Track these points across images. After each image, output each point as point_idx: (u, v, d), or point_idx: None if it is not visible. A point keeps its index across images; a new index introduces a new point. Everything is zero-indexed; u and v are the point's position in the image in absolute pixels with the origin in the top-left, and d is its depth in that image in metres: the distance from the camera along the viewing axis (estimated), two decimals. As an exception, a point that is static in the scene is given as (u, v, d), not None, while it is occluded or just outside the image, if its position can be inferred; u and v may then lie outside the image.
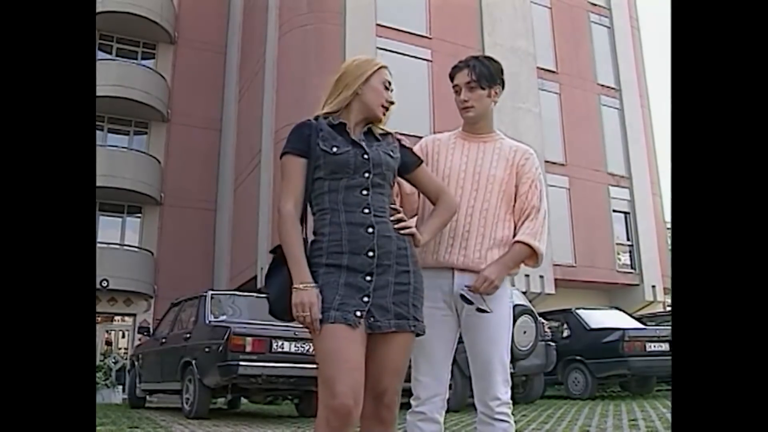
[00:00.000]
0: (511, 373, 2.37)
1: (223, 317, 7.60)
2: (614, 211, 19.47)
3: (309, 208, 2.12)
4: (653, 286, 19.08)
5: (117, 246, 20.15)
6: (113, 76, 19.92)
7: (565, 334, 10.44)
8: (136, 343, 14.98)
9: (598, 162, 19.54)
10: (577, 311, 10.64)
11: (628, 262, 19.37)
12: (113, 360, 16.99)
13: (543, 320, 9.21)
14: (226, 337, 6.83)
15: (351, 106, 2.13)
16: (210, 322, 7.49)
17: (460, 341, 2.36)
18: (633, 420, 5.91)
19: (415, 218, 2.41)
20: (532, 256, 2.35)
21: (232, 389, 7.32)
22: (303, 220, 2.10)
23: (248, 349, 6.79)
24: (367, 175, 2.06)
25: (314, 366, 2.05)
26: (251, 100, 19.10)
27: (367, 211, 2.04)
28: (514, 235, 2.36)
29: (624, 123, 20.53)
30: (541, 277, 16.38)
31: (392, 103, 2.18)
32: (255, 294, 8.53)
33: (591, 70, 20.61)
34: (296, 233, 2.01)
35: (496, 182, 2.35)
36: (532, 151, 2.46)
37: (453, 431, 5.54)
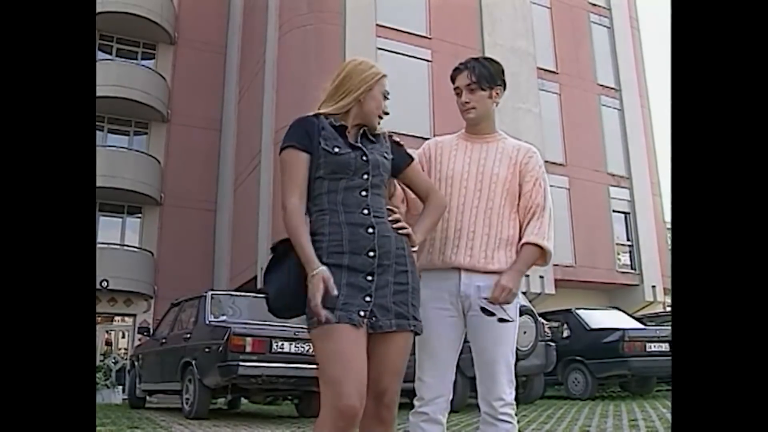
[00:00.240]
0: None
1: (223, 317, 7.60)
2: (614, 211, 19.47)
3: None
4: (653, 286, 19.07)
5: (117, 246, 20.14)
6: (113, 77, 19.93)
7: (565, 334, 10.43)
8: (136, 343, 14.99)
9: (598, 162, 19.53)
10: (577, 311, 10.63)
11: (628, 263, 19.37)
12: (113, 360, 16.99)
13: (543, 320, 9.20)
14: (226, 337, 6.83)
15: (350, 111, 2.14)
16: (210, 322, 7.49)
17: (466, 341, 2.36)
18: (633, 420, 5.91)
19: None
20: (542, 255, 2.36)
21: (232, 389, 7.32)
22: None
23: (248, 349, 6.79)
24: (366, 176, 2.07)
25: (314, 366, 2.05)
26: (251, 100, 19.10)
27: (366, 212, 2.05)
28: (521, 236, 2.36)
29: (624, 123, 20.52)
30: (541, 277, 16.38)
31: (387, 113, 2.22)
32: (255, 294, 8.53)
33: (591, 70, 20.61)
34: (305, 227, 2.01)
35: (499, 182, 2.35)
36: (535, 149, 2.46)
37: (453, 431, 5.54)
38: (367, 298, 1.97)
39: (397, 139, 2.28)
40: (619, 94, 20.83)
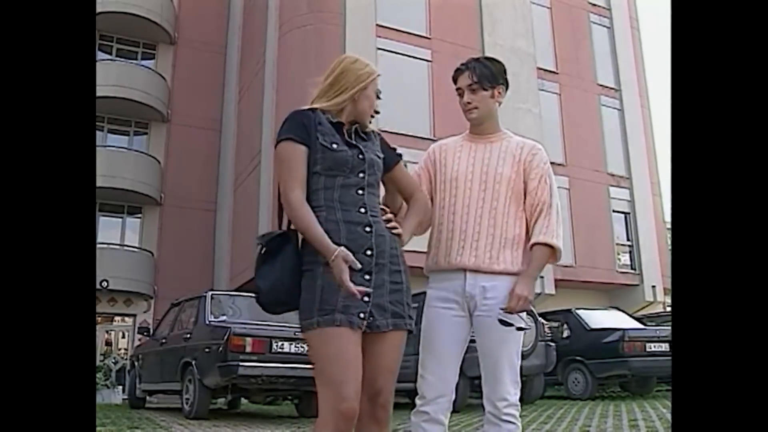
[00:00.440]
0: None
1: (223, 317, 7.59)
2: (614, 211, 19.47)
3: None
4: (653, 287, 19.07)
5: (117, 246, 20.14)
6: (113, 77, 19.93)
7: (565, 334, 10.43)
8: (136, 343, 14.98)
9: (598, 162, 19.53)
10: (577, 311, 10.63)
11: (628, 263, 19.36)
12: (113, 360, 17.00)
13: (543, 320, 9.21)
14: (226, 337, 6.83)
15: (344, 109, 2.13)
16: (210, 322, 7.49)
17: (472, 341, 2.35)
18: (633, 420, 5.91)
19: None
20: (554, 253, 2.34)
21: (232, 389, 7.32)
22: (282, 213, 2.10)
23: (248, 349, 6.79)
24: (362, 175, 2.08)
25: (313, 366, 2.04)
26: (251, 100, 19.10)
27: (363, 210, 2.05)
28: (528, 236, 2.35)
29: (624, 123, 20.52)
30: (542, 277, 16.37)
31: (378, 112, 2.22)
32: (255, 294, 8.51)
33: (591, 70, 20.60)
34: (313, 216, 1.98)
35: (503, 181, 2.34)
36: (540, 146, 2.45)
37: (453, 431, 5.54)
38: (366, 298, 1.97)
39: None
40: (619, 94, 20.83)
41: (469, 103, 2.39)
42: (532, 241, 2.33)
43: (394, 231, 2.10)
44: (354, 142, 2.10)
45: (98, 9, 19.42)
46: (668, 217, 19.49)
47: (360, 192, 2.06)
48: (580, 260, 18.01)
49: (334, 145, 2.05)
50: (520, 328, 2.25)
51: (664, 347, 9.50)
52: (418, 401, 2.32)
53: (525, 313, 2.29)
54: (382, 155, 2.17)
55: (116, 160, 19.80)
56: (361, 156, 2.08)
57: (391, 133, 16.13)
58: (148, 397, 9.77)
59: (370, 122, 2.20)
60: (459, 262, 2.32)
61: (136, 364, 9.73)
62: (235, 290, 13.05)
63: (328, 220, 2.00)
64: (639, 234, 19.52)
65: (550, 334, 9.36)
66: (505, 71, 2.45)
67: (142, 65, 21.95)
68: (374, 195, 2.11)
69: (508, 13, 19.08)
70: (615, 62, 21.13)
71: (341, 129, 2.11)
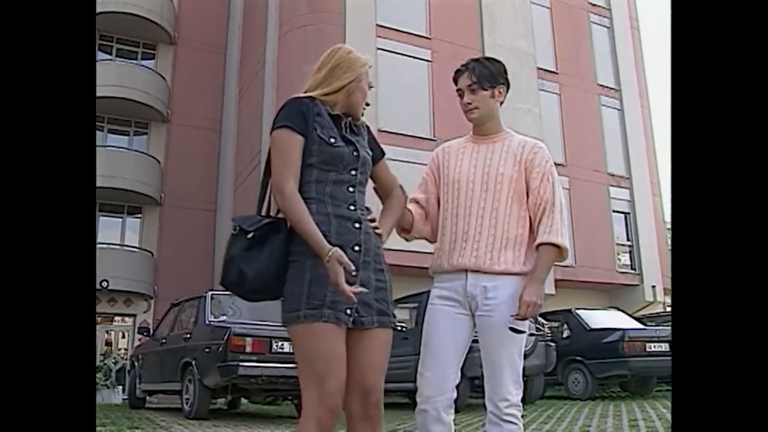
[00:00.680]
0: None
1: (223, 318, 7.59)
2: (614, 211, 19.47)
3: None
4: (653, 287, 19.07)
5: (117, 246, 20.13)
6: (113, 77, 19.92)
7: (565, 334, 10.44)
8: (136, 343, 14.98)
9: (598, 162, 19.54)
10: (577, 311, 10.63)
11: (628, 263, 19.37)
12: (113, 360, 17.00)
13: (543, 320, 9.21)
14: (226, 337, 6.83)
15: (338, 100, 2.12)
16: (210, 322, 7.49)
17: (475, 341, 2.35)
18: (633, 420, 5.91)
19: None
20: (560, 252, 2.33)
21: (232, 390, 7.32)
22: (269, 200, 2.08)
23: (248, 349, 6.79)
24: (354, 172, 2.07)
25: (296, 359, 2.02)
26: (251, 100, 19.10)
27: (353, 207, 2.05)
28: (532, 236, 2.34)
29: (624, 123, 20.53)
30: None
31: (368, 104, 2.20)
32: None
33: (591, 70, 20.61)
34: (307, 210, 1.96)
35: (504, 180, 2.34)
36: (542, 144, 2.44)
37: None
38: (357, 287, 1.95)
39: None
40: (619, 94, 20.83)
41: (469, 103, 2.39)
42: (537, 241, 2.32)
43: (377, 231, 2.10)
44: (350, 138, 2.10)
45: (98, 9, 19.42)
46: (668, 217, 19.49)
47: (351, 189, 2.06)
48: (580, 260, 18.00)
49: (332, 140, 2.04)
50: (531, 334, 2.25)
51: (664, 347, 9.50)
52: (417, 399, 2.32)
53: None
54: (370, 153, 2.16)
55: (116, 160, 19.80)
56: (356, 153, 2.08)
57: (391, 133, 16.14)
58: (148, 397, 9.77)
59: (362, 114, 2.19)
60: (460, 263, 2.32)
61: (136, 364, 9.73)
62: (235, 290, 13.02)
63: (318, 212, 1.99)
64: (639, 234, 19.53)
65: (550, 334, 9.37)
66: (505, 71, 2.45)
67: (142, 65, 21.95)
68: (363, 193, 2.11)
69: (508, 13, 19.08)
70: (615, 62, 21.14)
71: (339, 123, 2.10)
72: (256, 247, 1.98)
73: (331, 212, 2.00)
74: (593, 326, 10.15)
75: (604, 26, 21.55)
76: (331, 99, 2.10)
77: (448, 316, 2.31)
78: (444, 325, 2.32)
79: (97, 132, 20.20)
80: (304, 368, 1.96)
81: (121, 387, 14.20)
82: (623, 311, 11.64)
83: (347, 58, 2.13)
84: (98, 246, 18.01)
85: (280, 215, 2.03)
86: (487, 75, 2.38)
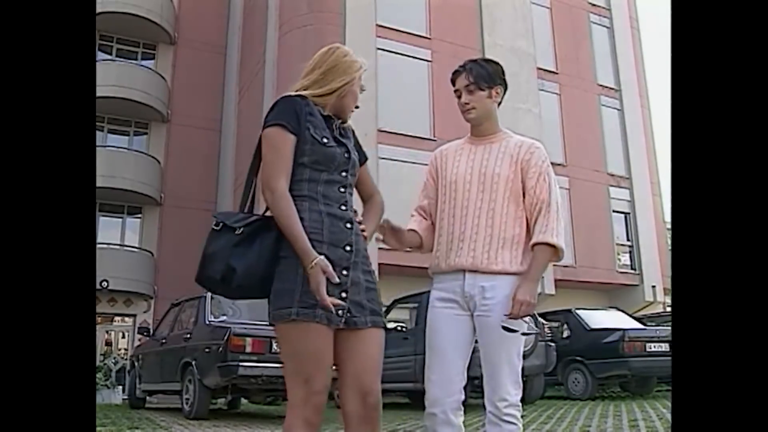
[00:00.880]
0: None
1: (223, 318, 7.60)
2: (614, 211, 19.48)
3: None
4: (653, 287, 19.07)
5: (117, 246, 20.14)
6: (113, 77, 19.93)
7: (565, 334, 10.44)
8: (136, 343, 14.99)
9: (598, 162, 19.54)
10: (577, 311, 10.63)
11: (628, 263, 19.37)
12: (113, 360, 17.00)
13: (543, 321, 9.21)
14: (226, 337, 6.83)
15: (328, 102, 2.11)
16: (210, 322, 7.49)
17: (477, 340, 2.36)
18: (633, 420, 5.91)
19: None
20: (555, 252, 2.34)
21: (232, 390, 7.32)
22: (253, 199, 2.07)
23: (248, 349, 6.80)
24: (344, 174, 2.07)
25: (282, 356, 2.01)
26: (251, 100, 19.11)
27: (344, 207, 2.04)
28: (530, 237, 2.35)
29: (624, 123, 20.53)
30: (542, 277, 16.36)
31: (357, 107, 2.19)
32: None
33: (591, 70, 20.61)
34: (295, 211, 1.93)
35: (501, 181, 2.34)
36: (539, 144, 2.45)
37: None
38: (343, 294, 1.95)
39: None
40: (619, 94, 20.83)
41: (466, 103, 2.41)
42: (532, 241, 2.33)
43: (363, 233, 2.10)
44: (341, 140, 2.10)
45: (98, 9, 19.43)
46: (668, 217, 19.50)
47: (342, 189, 2.06)
48: (580, 260, 18.01)
49: (325, 140, 2.03)
50: (525, 334, 2.25)
51: (664, 347, 9.51)
52: (426, 402, 2.33)
53: (528, 316, 2.29)
54: (357, 156, 2.16)
55: (116, 160, 19.80)
56: (347, 155, 2.08)
57: (391, 133, 16.16)
58: (148, 397, 9.77)
59: (349, 117, 2.19)
60: (457, 263, 2.33)
61: (136, 364, 9.73)
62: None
63: (311, 210, 1.97)
64: (639, 234, 19.53)
65: (550, 334, 9.37)
66: (502, 72, 2.46)
67: (142, 65, 21.96)
68: (351, 195, 2.11)
69: (508, 13, 19.09)
70: (615, 62, 21.14)
71: (331, 123, 2.10)
72: (245, 243, 1.95)
73: (323, 210, 1.99)
74: (593, 326, 10.15)
75: (604, 26, 21.55)
76: (323, 100, 2.09)
77: (450, 319, 2.32)
78: (446, 328, 2.32)
79: (97, 132, 20.20)
80: (291, 367, 1.94)
81: (121, 387, 14.21)
82: (623, 311, 11.64)
83: (343, 61, 2.12)
84: (98, 246, 18.01)
85: (267, 214, 2.00)
86: (484, 75, 2.40)
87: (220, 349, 6.83)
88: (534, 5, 19.93)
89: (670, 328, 9.91)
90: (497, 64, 2.48)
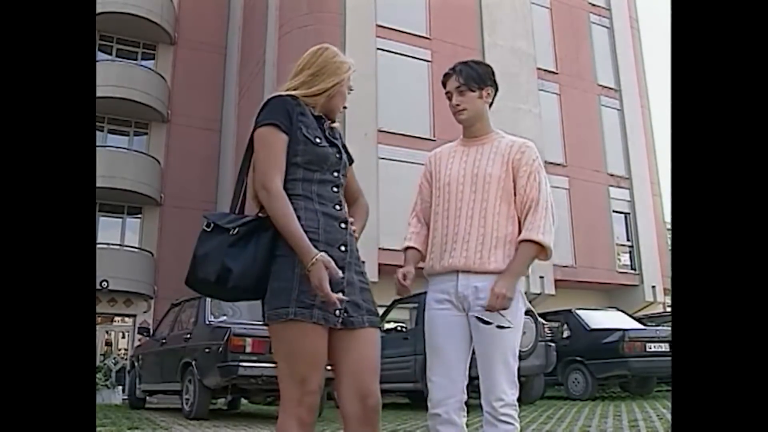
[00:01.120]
0: None
1: (223, 318, 7.60)
2: (614, 211, 19.48)
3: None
4: (653, 287, 19.07)
5: (117, 247, 20.14)
6: (113, 77, 19.94)
7: (565, 334, 10.44)
8: (136, 343, 14.99)
9: (597, 162, 19.54)
10: (577, 312, 10.63)
11: (628, 263, 19.37)
12: (113, 361, 17.00)
13: (543, 321, 9.21)
14: (226, 337, 6.83)
15: (318, 103, 2.11)
16: (210, 322, 7.49)
17: None
18: (633, 421, 5.91)
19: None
20: (542, 250, 2.34)
21: (232, 390, 7.32)
22: (244, 200, 2.06)
23: (248, 349, 6.80)
24: (336, 174, 2.07)
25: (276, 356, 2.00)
26: (251, 100, 19.10)
27: (339, 207, 2.04)
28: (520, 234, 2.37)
29: (624, 123, 20.54)
30: (541, 277, 16.39)
31: (345, 107, 2.19)
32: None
33: (591, 70, 20.62)
34: (292, 210, 1.92)
35: (493, 181, 2.36)
36: (531, 143, 2.46)
37: None
38: (340, 294, 1.93)
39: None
40: (619, 95, 20.84)
41: (458, 105, 2.44)
42: (518, 238, 2.34)
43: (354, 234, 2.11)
44: (332, 140, 2.10)
45: (98, 9, 19.43)
46: (668, 217, 19.50)
47: (335, 190, 2.06)
48: (580, 260, 18.01)
49: (318, 140, 2.03)
50: (500, 327, 2.25)
51: (664, 347, 9.51)
52: (428, 403, 2.34)
53: (527, 314, 2.29)
54: (346, 156, 2.16)
55: (116, 161, 19.81)
56: (338, 155, 2.09)
57: (390, 133, 16.16)
58: (148, 398, 9.77)
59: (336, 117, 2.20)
60: (450, 264, 2.35)
61: (136, 364, 9.74)
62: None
63: (306, 209, 1.96)
64: (639, 234, 19.53)
65: (550, 335, 9.37)
66: (492, 73, 2.49)
67: (142, 65, 21.97)
68: (343, 195, 2.11)
69: (508, 14, 19.09)
70: (615, 62, 21.15)
71: (322, 124, 2.10)
72: (240, 244, 1.93)
73: (318, 209, 1.98)
74: (593, 326, 10.15)
75: (604, 26, 21.55)
76: (313, 100, 2.09)
77: (447, 320, 2.34)
78: (443, 330, 2.34)
79: (97, 132, 20.21)
80: (285, 367, 1.93)
81: (121, 387, 14.20)
82: (623, 311, 11.65)
83: (333, 62, 2.12)
84: (98, 246, 18.02)
85: (261, 214, 1.99)
86: (474, 77, 2.43)
87: (220, 349, 6.84)
88: (534, 5, 19.93)
89: (670, 328, 9.92)
90: (487, 66, 2.51)
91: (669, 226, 20.40)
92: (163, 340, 8.69)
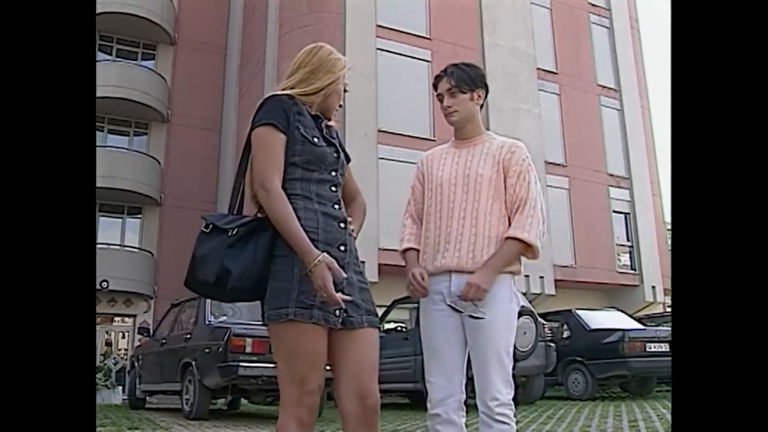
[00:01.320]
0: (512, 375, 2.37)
1: (223, 318, 7.60)
2: (614, 211, 19.49)
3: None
4: (653, 287, 19.08)
5: (117, 247, 20.15)
6: (113, 77, 19.95)
7: (565, 334, 10.44)
8: (136, 343, 14.98)
9: (597, 163, 19.54)
10: (577, 312, 10.63)
11: (628, 263, 19.37)
12: (113, 361, 17.00)
13: (543, 321, 9.21)
14: (226, 338, 6.83)
15: (314, 102, 2.11)
16: (210, 323, 7.49)
17: None
18: (633, 421, 5.91)
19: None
20: (528, 248, 2.34)
21: (232, 390, 7.33)
22: (242, 200, 2.06)
23: (248, 350, 6.80)
24: (334, 173, 2.07)
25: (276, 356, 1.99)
26: (251, 100, 19.10)
27: (338, 206, 2.04)
28: None
29: (624, 123, 20.54)
30: (541, 277, 16.38)
31: (341, 106, 2.19)
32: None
33: (591, 70, 20.62)
34: (292, 210, 1.91)
35: (484, 181, 2.38)
36: (521, 144, 2.48)
37: None
38: (342, 294, 1.93)
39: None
40: (619, 95, 20.84)
41: (449, 107, 2.46)
42: (503, 235, 2.35)
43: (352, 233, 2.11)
44: (330, 139, 2.10)
45: (98, 9, 19.44)
46: (668, 217, 19.50)
47: (334, 189, 2.05)
48: (580, 260, 18.02)
49: (316, 139, 2.02)
50: (472, 317, 2.26)
51: (664, 347, 9.51)
52: (428, 404, 2.35)
53: (520, 313, 2.30)
54: (343, 155, 2.16)
55: (116, 161, 19.82)
56: (336, 154, 2.08)
57: (390, 133, 16.16)
58: (148, 398, 9.77)
59: (334, 116, 2.19)
60: (443, 264, 2.36)
61: (136, 364, 9.74)
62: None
63: (305, 209, 1.96)
64: (639, 234, 19.54)
65: (550, 335, 9.38)
66: (483, 76, 2.52)
67: (142, 65, 21.98)
68: (341, 194, 2.11)
69: (508, 14, 19.10)
70: (615, 62, 21.15)
71: (319, 123, 2.09)
72: (239, 244, 1.92)
73: (317, 209, 1.98)
74: (593, 327, 10.16)
75: (604, 26, 21.56)
76: (309, 99, 2.09)
77: (441, 320, 2.35)
78: (438, 330, 2.35)
79: (97, 132, 20.22)
80: (285, 367, 1.93)
81: (121, 387, 14.21)
82: (623, 312, 11.65)
83: (328, 60, 2.11)
84: (98, 246, 18.03)
85: (260, 215, 1.98)
86: (465, 79, 2.45)
87: (220, 349, 6.84)
88: (534, 5, 19.94)
89: (670, 328, 9.92)
90: (478, 68, 2.53)
91: (669, 226, 20.40)
92: (163, 341, 8.69)
